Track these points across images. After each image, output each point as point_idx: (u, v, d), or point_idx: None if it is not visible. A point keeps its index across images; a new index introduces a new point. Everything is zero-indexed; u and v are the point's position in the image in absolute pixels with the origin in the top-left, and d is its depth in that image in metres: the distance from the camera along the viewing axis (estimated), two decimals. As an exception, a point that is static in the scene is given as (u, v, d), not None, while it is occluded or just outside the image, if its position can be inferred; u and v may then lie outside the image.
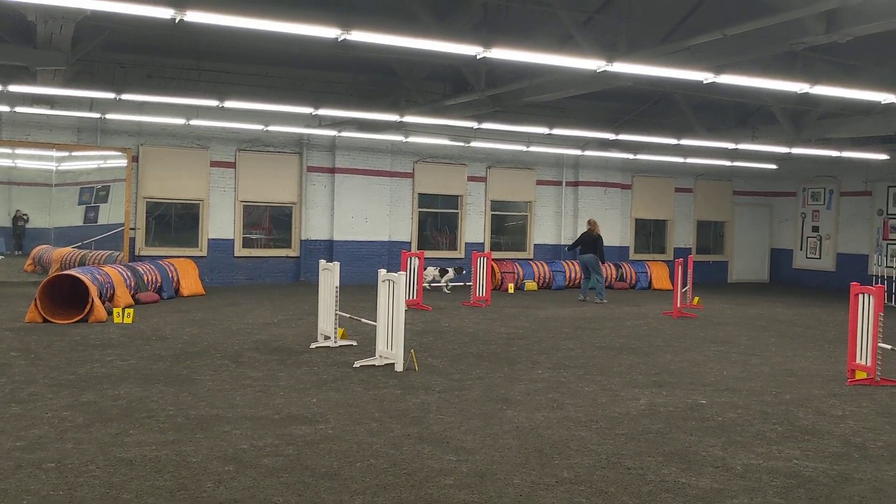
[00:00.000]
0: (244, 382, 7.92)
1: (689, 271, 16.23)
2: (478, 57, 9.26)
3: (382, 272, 9.10)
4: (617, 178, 22.30)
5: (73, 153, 17.47)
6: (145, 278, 14.39)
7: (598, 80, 11.58)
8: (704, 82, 10.24)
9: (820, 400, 7.90)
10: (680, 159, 21.02)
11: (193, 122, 16.51)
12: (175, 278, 15.48)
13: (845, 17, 8.24)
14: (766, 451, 6.06)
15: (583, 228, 21.62)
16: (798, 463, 5.79)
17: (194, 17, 7.35)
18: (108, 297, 12.71)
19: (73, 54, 12.39)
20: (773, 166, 22.42)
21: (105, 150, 17.27)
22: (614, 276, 20.47)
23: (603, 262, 17.32)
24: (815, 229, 23.44)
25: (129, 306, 12.69)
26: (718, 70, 10.03)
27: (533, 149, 19.94)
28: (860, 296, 8.79)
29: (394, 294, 8.81)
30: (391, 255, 19.20)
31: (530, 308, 15.33)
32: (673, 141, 17.92)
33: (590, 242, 17.05)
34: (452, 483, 5.15)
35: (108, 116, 16.23)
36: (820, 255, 23.28)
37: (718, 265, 24.19)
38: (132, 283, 13.84)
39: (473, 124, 16.64)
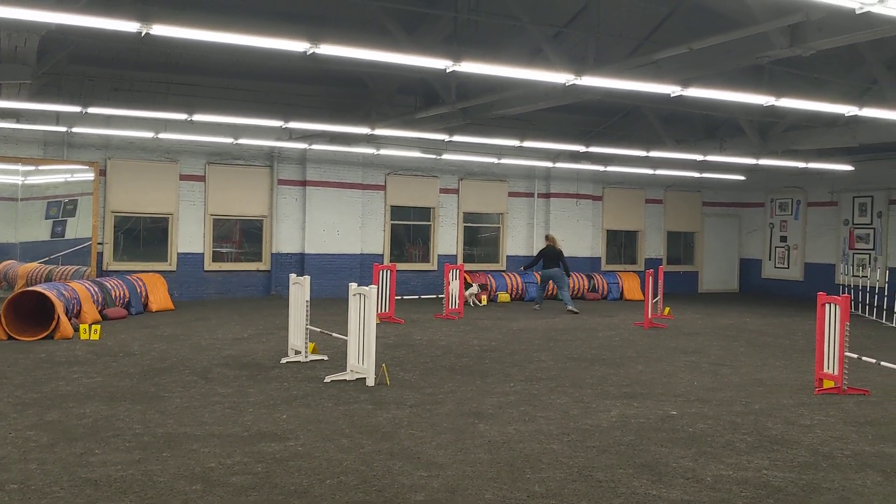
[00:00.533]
0: (213, 399, 7.83)
1: (660, 282, 16.36)
2: (447, 70, 9.29)
3: (353, 286, 9.06)
4: (588, 189, 22.45)
5: (40, 167, 17.19)
6: (113, 293, 14.20)
7: (567, 93, 11.66)
8: (672, 95, 10.35)
9: (789, 409, 7.97)
10: (650, 171, 21.22)
11: (162, 136, 16.35)
12: (143, 293, 15.30)
13: (808, 32, 8.38)
14: (735, 461, 6.10)
15: (558, 240, 21.76)
16: (767, 473, 5.82)
17: (160, 30, 7.28)
18: (75, 313, 12.52)
19: (38, 67, 12.24)
20: (741, 177, 22.71)
21: (72, 164, 17.04)
22: (586, 287, 20.56)
23: (568, 275, 17.66)
24: (783, 239, 23.75)
25: (97, 322, 12.51)
26: (685, 83, 10.14)
27: (504, 161, 20.01)
28: (827, 305, 8.90)
29: (365, 308, 8.76)
30: (363, 268, 19.13)
31: (503, 320, 15.34)
32: (642, 153, 18.09)
33: (553, 257, 17.39)
34: (423, 499, 5.11)
35: (75, 130, 16.02)
36: (788, 265, 23.58)
37: (689, 275, 24.41)
38: (99, 299, 13.65)
39: (445, 137, 16.66)
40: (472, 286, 18.20)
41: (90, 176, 16.84)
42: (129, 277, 15.35)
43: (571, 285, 20.40)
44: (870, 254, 21.18)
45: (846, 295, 8.89)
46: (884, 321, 16.44)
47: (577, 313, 16.58)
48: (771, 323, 16.00)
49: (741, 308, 19.14)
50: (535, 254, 19.96)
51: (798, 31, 8.47)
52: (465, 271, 18.10)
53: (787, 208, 23.66)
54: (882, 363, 9.32)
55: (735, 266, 25.06)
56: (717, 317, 16.93)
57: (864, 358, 9.25)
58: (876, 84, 12.81)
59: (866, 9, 6.03)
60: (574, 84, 9.85)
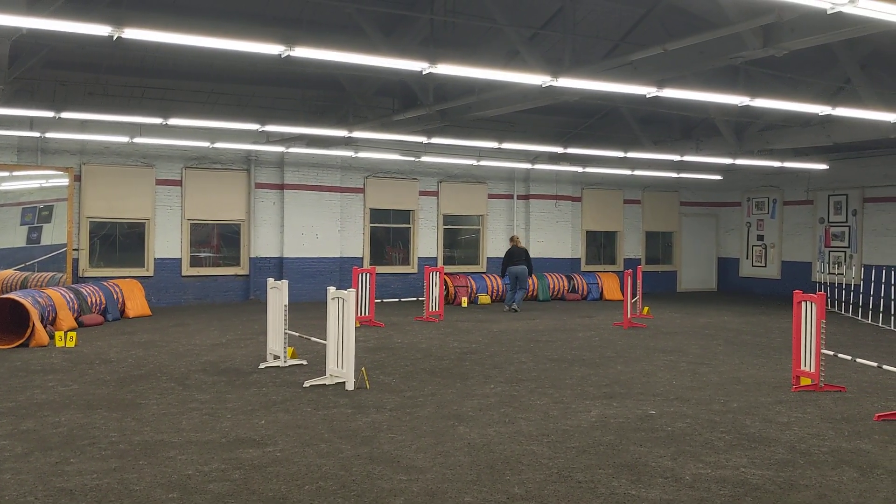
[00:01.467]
0: (191, 406, 7.76)
1: (639, 282, 16.44)
2: (423, 73, 9.28)
3: (331, 290, 9.02)
4: (567, 190, 22.52)
5: (14, 173, 16.99)
6: (89, 300, 14.05)
7: (544, 94, 11.69)
8: (648, 96, 10.40)
9: (766, 407, 8.02)
10: (628, 172, 21.33)
11: (137, 140, 16.20)
12: (120, 299, 15.15)
13: (781, 32, 8.46)
14: (714, 460, 6.13)
15: (538, 241, 21.91)
16: (746, 471, 5.86)
17: (133, 34, 7.20)
18: (51, 321, 12.37)
19: (10, 72, 12.10)
20: (718, 177, 22.89)
21: (46, 170, 16.85)
22: (566, 288, 20.62)
23: (531, 275, 17.93)
24: (760, 238, 23.96)
25: (72, 329, 12.37)
26: (661, 84, 10.20)
27: (483, 163, 20.03)
28: (803, 303, 8.98)
29: (344, 312, 8.73)
30: (343, 271, 19.07)
31: (484, 322, 15.34)
32: (620, 154, 18.18)
33: (520, 255, 17.66)
34: (403, 503, 5.09)
35: (49, 135, 15.86)
36: (765, 264, 23.79)
37: (667, 275, 24.55)
38: (75, 306, 13.50)
39: (423, 139, 16.66)
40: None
41: (65, 181, 16.67)
42: (105, 284, 15.20)
43: (551, 286, 20.51)
44: (845, 251, 21.41)
45: (821, 293, 8.97)
46: (859, 318, 16.61)
47: (516, 311, 17.16)
48: (749, 321, 16.12)
49: (719, 307, 19.28)
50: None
51: (771, 31, 8.55)
52: (446, 273, 18.10)
53: (763, 207, 23.87)
54: (858, 360, 9.41)
55: (713, 265, 25.24)
56: (696, 316, 17.03)
57: (840, 355, 9.35)
58: (849, 84, 12.96)
59: (837, 9, 6.09)
60: (551, 85, 9.87)
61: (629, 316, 14.84)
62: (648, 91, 10.22)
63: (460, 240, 21.96)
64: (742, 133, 17.03)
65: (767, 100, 11.31)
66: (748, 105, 11.21)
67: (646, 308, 16.85)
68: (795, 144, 16.87)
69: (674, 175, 22.07)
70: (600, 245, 23.65)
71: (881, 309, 16.20)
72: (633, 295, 15.73)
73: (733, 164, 19.73)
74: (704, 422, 7.35)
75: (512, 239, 18.26)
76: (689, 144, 17.98)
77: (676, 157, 18.48)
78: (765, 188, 23.65)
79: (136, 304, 15.55)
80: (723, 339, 13.35)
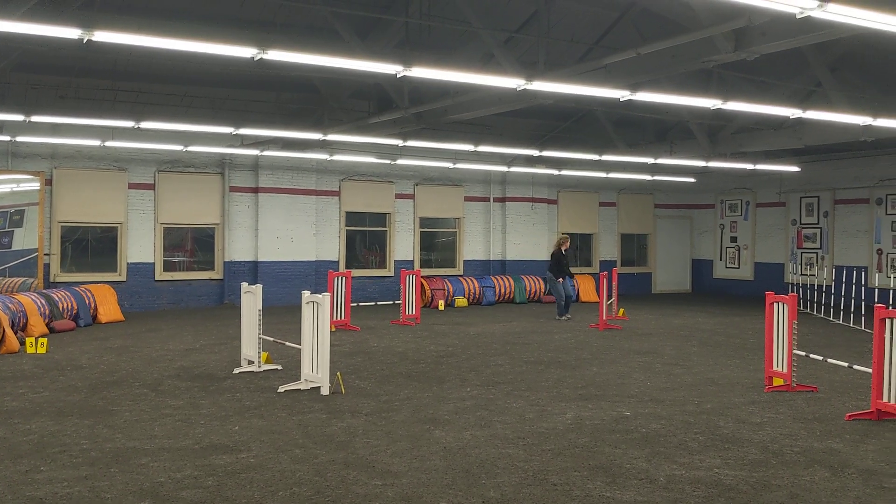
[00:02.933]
0: (164, 412, 7.68)
1: (615, 284, 16.53)
2: (399, 76, 9.27)
3: (306, 294, 8.97)
4: (543, 193, 22.60)
5: (-17, 177, 16.75)
6: (60, 305, 13.87)
7: (520, 97, 11.72)
8: (622, 99, 10.47)
9: (740, 408, 8.09)
10: (603, 174, 21.45)
11: (109, 144, 16.03)
12: (92, 305, 14.97)
13: (753, 36, 8.54)
14: (688, 461, 6.17)
15: (514, 244, 21.98)
16: (719, 472, 5.90)
17: (103, 37, 7.13)
18: (21, 327, 12.19)
19: (-21, 75, 11.93)
20: (692, 180, 23.09)
21: (17, 174, 16.62)
22: (543, 290, 20.68)
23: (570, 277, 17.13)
24: (734, 240, 24.19)
25: (44, 335, 12.21)
26: (635, 87, 10.26)
27: (460, 165, 20.05)
28: (775, 304, 9.07)
29: (319, 316, 8.68)
30: (319, 275, 18.99)
31: (460, 325, 15.34)
32: (595, 157, 18.29)
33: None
34: (378, 508, 5.07)
35: (20, 139, 15.65)
36: (738, 265, 24.02)
37: (642, 277, 24.71)
38: (46, 311, 13.32)
39: (399, 142, 16.64)
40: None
41: (36, 186, 16.45)
42: (77, 289, 15.00)
43: (528, 288, 20.56)
44: (817, 253, 21.68)
45: (793, 294, 9.07)
46: (831, 319, 16.81)
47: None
48: (723, 322, 16.26)
49: (694, 308, 19.43)
50: (487, 258, 20.25)
51: (742, 35, 8.64)
52: (422, 277, 18.07)
53: (736, 209, 24.10)
54: (829, 360, 9.53)
55: (687, 267, 25.44)
56: (671, 317, 17.15)
57: (811, 355, 9.46)
58: (820, 87, 13.12)
59: (807, 13, 6.16)
60: (526, 89, 9.90)
61: (605, 318, 14.91)
62: (622, 94, 10.29)
63: (437, 242, 21.96)
64: (715, 136, 17.19)
65: (740, 103, 11.42)
66: (721, 108, 11.32)
67: (621, 310, 16.94)
68: (768, 147, 17.06)
69: (648, 177, 22.25)
70: (576, 247, 23.75)
71: (852, 309, 16.41)
72: (609, 297, 15.81)
73: (707, 167, 19.91)
74: (679, 423, 7.40)
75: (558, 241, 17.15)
76: (663, 147, 18.12)
77: (651, 160, 18.62)
78: (738, 190, 23.89)
79: (109, 309, 15.37)
80: (697, 340, 13.45)
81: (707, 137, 16.98)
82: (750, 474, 5.84)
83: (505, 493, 5.38)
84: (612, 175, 21.49)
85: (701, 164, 18.77)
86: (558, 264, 16.43)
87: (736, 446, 6.60)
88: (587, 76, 10.33)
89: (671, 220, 25.20)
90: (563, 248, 16.67)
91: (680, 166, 20.39)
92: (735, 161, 18.91)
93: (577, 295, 20.14)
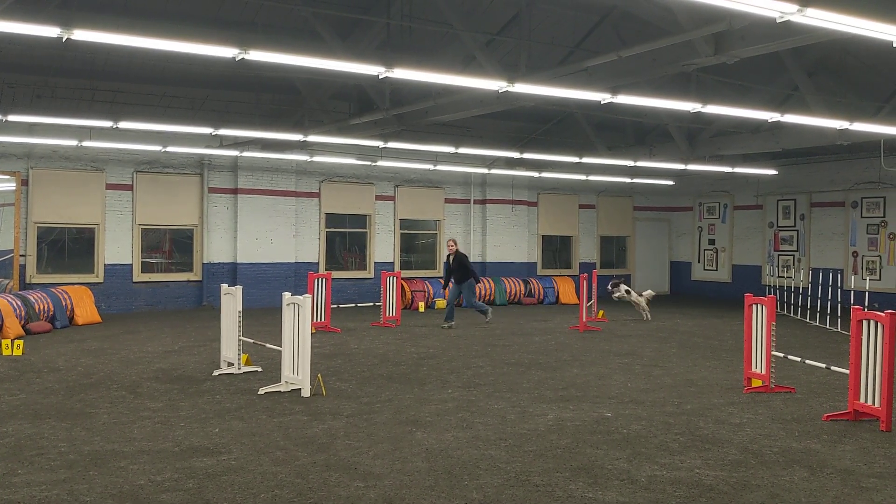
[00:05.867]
0: (142, 414, 7.60)
1: (594, 285, 16.60)
2: (380, 77, 9.25)
3: (287, 295, 8.92)
4: (523, 195, 22.66)
5: (-43, 177, 16.52)
6: (37, 307, 13.70)
7: (501, 100, 11.75)
8: (602, 102, 10.51)
9: (719, 409, 8.15)
10: (583, 177, 21.54)
11: (87, 144, 15.85)
12: (69, 306, 14.80)
13: (732, 40, 8.62)
14: (669, 461, 6.20)
15: (494, 245, 22.00)
16: (699, 472, 5.93)
17: (82, 35, 7.05)
18: (-4, 329, 12.03)
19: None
20: (671, 182, 23.26)
21: (-9, 174, 16.41)
22: (523, 292, 20.72)
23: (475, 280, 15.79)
24: (712, 242, 24.38)
25: (19, 337, 12.04)
26: (615, 90, 10.31)
27: (440, 167, 20.05)
28: (754, 306, 9.15)
29: (299, 317, 8.64)
30: (298, 276, 18.90)
31: (441, 326, 15.32)
32: (575, 159, 18.36)
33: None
34: (360, 510, 5.05)
35: (-5, 138, 15.46)
36: (716, 267, 24.21)
37: (622, 279, 24.79)
38: (22, 313, 13.15)
39: (380, 143, 16.61)
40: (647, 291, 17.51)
41: (11, 186, 16.25)
42: (53, 290, 14.83)
43: (508, 290, 20.59)
44: (794, 255, 21.90)
45: (772, 296, 9.15)
46: (808, 320, 16.99)
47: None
48: (701, 324, 16.38)
49: (672, 310, 19.55)
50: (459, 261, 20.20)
51: (722, 39, 8.72)
52: (403, 278, 18.04)
53: (714, 212, 24.30)
54: (807, 361, 9.62)
55: (666, 269, 25.61)
56: (650, 319, 17.24)
57: (789, 357, 9.54)
58: (797, 91, 13.26)
59: (786, 18, 6.22)
60: (507, 91, 9.92)
61: (585, 319, 14.97)
62: (603, 97, 10.34)
63: (417, 244, 21.94)
64: (694, 139, 17.32)
65: (718, 106, 11.52)
66: (700, 111, 11.40)
67: (601, 311, 17.02)
68: (745, 150, 17.22)
69: (628, 180, 22.38)
70: (556, 249, 23.84)
71: (828, 311, 16.59)
72: (589, 299, 15.87)
73: (685, 170, 20.06)
74: (659, 424, 7.44)
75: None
76: (642, 150, 18.23)
77: (630, 163, 18.73)
78: (716, 193, 24.08)
79: (86, 311, 15.20)
80: (676, 341, 13.53)
81: (686, 140, 17.11)
82: (730, 474, 5.88)
83: (487, 494, 5.38)
84: (592, 177, 21.59)
85: (680, 166, 18.92)
86: (465, 268, 15.43)
87: (716, 447, 6.65)
88: (568, 79, 10.37)
89: (650, 223, 25.36)
90: (449, 254, 15.65)
91: (659, 169, 20.54)
92: (713, 164, 19.07)
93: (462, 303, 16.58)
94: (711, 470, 5.99)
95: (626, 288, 17.36)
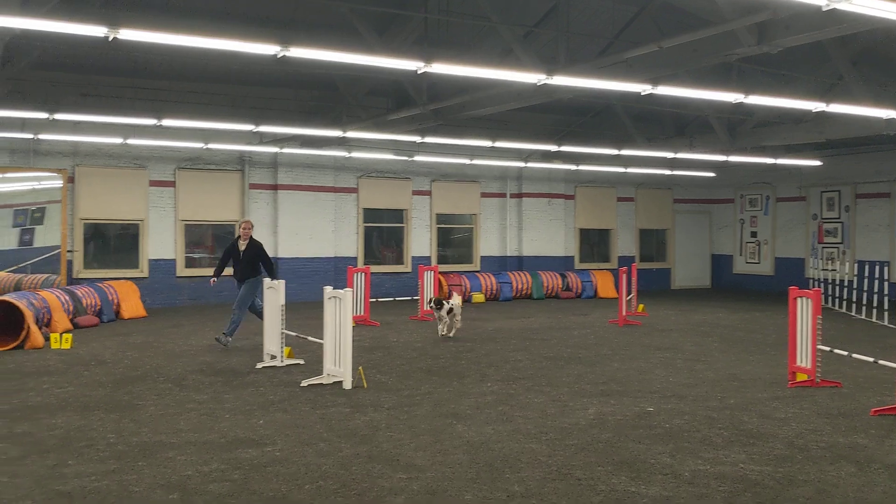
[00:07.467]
0: (188, 406, 7.74)
1: (634, 279, 16.46)
2: (418, 72, 9.27)
3: (328, 289, 9.00)
4: (560, 188, 22.54)
5: (6, 175, 16.92)
6: (84, 302, 13.99)
7: (539, 93, 11.70)
8: (642, 94, 10.43)
9: (763, 403, 8.05)
10: (621, 169, 21.36)
11: (130, 141, 16.14)
12: (115, 301, 15.09)
13: (776, 29, 8.48)
14: (713, 456, 6.14)
15: (531, 240, 21.90)
16: (744, 467, 5.87)
17: (128, 34, 7.18)
18: (45, 323, 12.31)
19: (3, 73, 12.03)
20: (711, 174, 22.94)
21: (39, 172, 16.79)
22: (560, 286, 20.64)
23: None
24: (754, 235, 24.03)
25: (68, 331, 12.32)
26: (656, 81, 10.22)
27: (476, 162, 20.03)
28: (799, 299, 9.01)
29: (340, 311, 8.71)
30: (337, 271, 19.05)
31: (478, 320, 15.34)
32: (614, 151, 18.21)
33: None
34: (403, 502, 5.09)
35: (42, 137, 15.79)
36: (759, 260, 23.86)
37: (661, 272, 24.59)
38: (70, 307, 13.44)
39: (417, 138, 16.64)
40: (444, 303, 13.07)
41: (58, 183, 16.60)
42: (100, 285, 15.14)
43: (545, 284, 20.50)
44: (838, 247, 21.49)
45: (817, 289, 9.00)
46: (853, 314, 16.67)
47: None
48: (743, 318, 16.17)
49: (714, 304, 19.32)
50: (503, 254, 20.11)
51: (766, 28, 8.58)
52: (440, 272, 18.07)
53: (756, 204, 23.94)
54: (854, 355, 9.44)
55: (707, 262, 25.31)
56: (691, 313, 17.07)
57: (835, 350, 9.37)
58: (842, 80, 13.00)
59: (833, 6, 6.11)
60: (546, 83, 9.88)
61: (624, 313, 14.86)
62: (643, 88, 10.25)
63: (453, 239, 21.96)
64: (735, 130, 17.07)
65: (761, 96, 11.34)
66: (742, 102, 11.23)
67: (641, 305, 16.88)
68: (789, 141, 16.92)
69: (667, 172, 22.13)
70: (594, 243, 23.68)
71: (874, 304, 16.25)
72: (628, 292, 15.75)
73: (726, 161, 19.79)
74: (702, 418, 7.37)
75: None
76: (682, 142, 18.02)
77: (670, 155, 18.53)
78: (758, 185, 23.72)
79: (131, 305, 15.50)
80: (718, 335, 13.38)
81: (727, 132, 16.86)
82: (775, 469, 5.81)
83: (529, 487, 5.38)
84: (631, 170, 21.41)
85: (721, 158, 18.67)
86: (262, 262, 11.70)
87: (760, 441, 6.57)
88: (608, 70, 10.29)
89: (690, 216, 25.06)
90: (239, 238, 11.96)
91: (699, 161, 20.29)
92: (755, 155, 18.79)
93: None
94: (757, 465, 5.93)
95: (450, 306, 12.97)
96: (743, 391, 8.66)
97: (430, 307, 13.35)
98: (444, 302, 13.03)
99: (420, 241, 20.88)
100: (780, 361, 10.28)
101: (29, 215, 17.84)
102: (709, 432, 6.86)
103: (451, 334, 12.89)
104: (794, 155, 19.78)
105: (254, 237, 11.94)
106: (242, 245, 11.72)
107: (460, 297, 13.33)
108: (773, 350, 11.56)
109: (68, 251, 16.59)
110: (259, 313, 11.37)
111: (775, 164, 20.00)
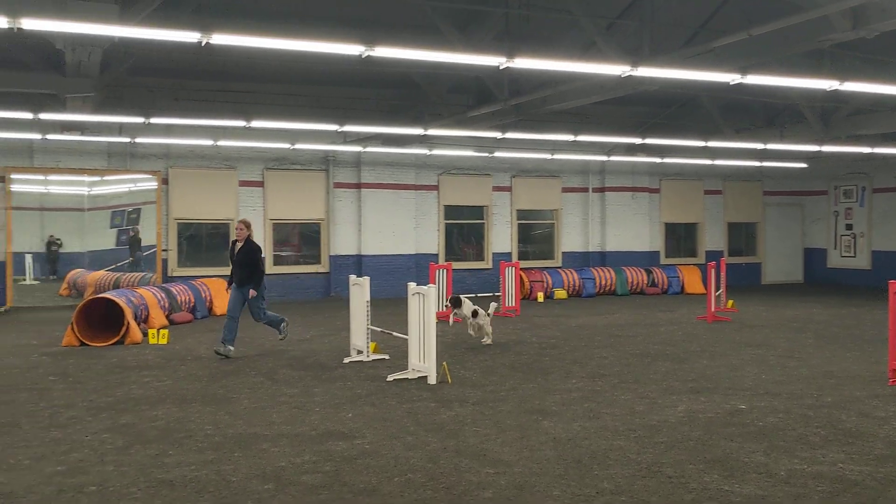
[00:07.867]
0: (280, 399, 7.95)
1: (723, 274, 16.05)
2: (501, 67, 9.25)
3: (412, 286, 9.11)
4: (644, 182, 22.15)
5: (105, 177, 17.72)
6: (179, 299, 14.53)
7: (622, 85, 11.54)
8: (731, 83, 10.15)
9: (862, 402, 7.75)
10: (708, 161, 20.84)
11: (221, 143, 16.68)
12: (208, 298, 15.61)
13: (872, 13, 8.14)
14: (809, 455, 5.96)
15: (614, 235, 21.61)
16: (843, 467, 5.67)
17: (220, 39, 7.42)
18: (143, 319, 12.84)
19: (101, 80, 12.58)
20: (803, 165, 22.14)
21: (135, 174, 17.52)
22: (645, 282, 20.30)
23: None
24: (849, 227, 23.09)
25: (164, 327, 12.81)
26: (744, 70, 9.93)
27: (558, 156, 19.89)
28: (899, 294, 8.62)
29: (424, 307, 8.80)
30: (419, 267, 19.22)
31: (561, 317, 15.25)
32: (700, 143, 17.78)
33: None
34: (491, 496, 5.12)
35: (138, 140, 16.46)
36: (854, 254, 22.92)
37: (751, 267, 23.90)
38: (166, 304, 13.98)
39: (497, 134, 16.62)
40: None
41: (153, 185, 17.28)
42: (193, 283, 15.69)
43: (630, 280, 20.20)
44: (941, 240, 20.46)
45: (920, 283, 8.60)
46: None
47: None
48: (839, 314, 15.57)
49: (807, 299, 18.68)
50: (585, 250, 19.87)
51: (861, 13, 8.24)
52: (521, 269, 18.01)
53: (851, 195, 23.00)
54: (960, 352, 8.99)
55: (799, 256, 24.46)
56: (782, 308, 16.55)
57: (940, 347, 8.94)
58: (944, 64, 12.36)
59: (936, -14, 5.83)
60: (630, 75, 9.73)
61: (713, 309, 14.51)
62: (732, 78, 9.97)
63: (534, 235, 21.86)
64: (828, 119, 16.43)
65: (858, 83, 10.88)
66: (837, 89, 10.81)
67: (730, 301, 16.45)
68: (886, 129, 16.17)
69: (756, 164, 21.46)
70: (680, 237, 23.19)
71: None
72: (717, 288, 15.37)
73: (819, 152, 19.06)
74: (797, 416, 7.15)
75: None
76: (772, 132, 17.46)
77: (759, 146, 17.99)
78: (852, 175, 22.79)
79: (223, 302, 15.96)
80: (811, 332, 12.94)
81: (819, 121, 16.25)
82: (876, 470, 5.60)
83: (619, 484, 5.33)
84: (718, 162, 20.86)
85: (813, 148, 18.00)
86: (255, 265, 10.80)
87: (860, 441, 6.34)
88: (694, 60, 10.06)
89: (781, 208, 24.26)
90: (236, 240, 11.02)
91: (790, 151, 19.62)
92: (850, 145, 18.04)
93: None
94: (856, 465, 5.72)
95: (474, 308, 11.62)
96: (840, 389, 8.36)
97: (447, 307, 11.97)
98: (461, 299, 11.52)
99: (501, 237, 20.87)
100: (879, 359, 9.88)
101: (126, 216, 18.66)
102: (805, 431, 6.65)
103: (488, 341, 11.45)
104: (892, 143, 18.90)
105: (252, 238, 10.86)
106: (238, 247, 10.82)
107: (470, 302, 11.55)
108: (872, 347, 11.11)
109: (163, 250, 17.25)
110: (271, 322, 10.96)
111: (872, 153, 19.15)
